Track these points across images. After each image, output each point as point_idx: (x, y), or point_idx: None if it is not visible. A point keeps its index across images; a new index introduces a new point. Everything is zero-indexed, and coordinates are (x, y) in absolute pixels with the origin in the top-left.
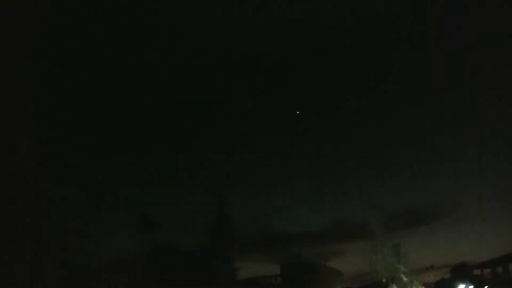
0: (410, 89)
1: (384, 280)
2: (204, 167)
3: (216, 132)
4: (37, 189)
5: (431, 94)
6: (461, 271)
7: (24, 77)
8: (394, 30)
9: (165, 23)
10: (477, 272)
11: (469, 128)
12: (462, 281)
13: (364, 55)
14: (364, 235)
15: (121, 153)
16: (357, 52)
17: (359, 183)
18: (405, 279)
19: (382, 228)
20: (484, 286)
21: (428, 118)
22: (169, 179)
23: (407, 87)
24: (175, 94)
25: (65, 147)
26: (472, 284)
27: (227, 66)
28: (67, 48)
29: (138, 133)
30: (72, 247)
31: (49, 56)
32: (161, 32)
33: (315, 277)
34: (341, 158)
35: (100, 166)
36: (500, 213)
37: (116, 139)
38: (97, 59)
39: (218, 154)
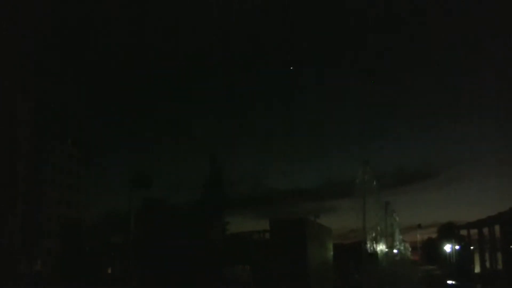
0: (402, 52)
1: (373, 237)
2: (198, 124)
3: (210, 89)
4: (32, 143)
5: (424, 56)
6: (448, 231)
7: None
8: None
9: None
10: (463, 232)
11: (461, 92)
12: (449, 241)
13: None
14: (354, 193)
15: (116, 109)
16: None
17: (351, 141)
18: (393, 237)
19: (373, 186)
20: (470, 246)
21: (420, 80)
22: (162, 135)
23: (399, 51)
24: (171, 54)
25: (59, 102)
26: (458, 244)
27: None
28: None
29: (133, 89)
30: (64, 200)
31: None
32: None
33: (303, 233)
34: (334, 117)
35: (94, 121)
36: (488, 176)
37: (111, 94)
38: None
39: (212, 111)
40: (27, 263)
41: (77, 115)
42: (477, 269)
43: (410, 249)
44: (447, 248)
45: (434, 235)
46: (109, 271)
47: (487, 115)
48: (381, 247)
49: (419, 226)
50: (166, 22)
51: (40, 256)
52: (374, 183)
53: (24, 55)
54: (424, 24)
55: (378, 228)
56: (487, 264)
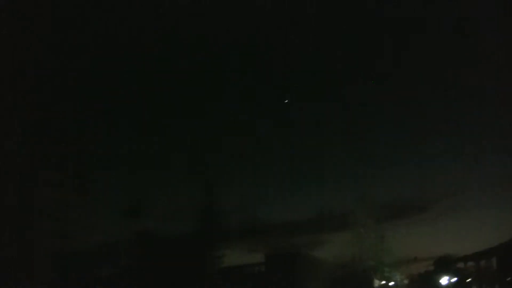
0: (398, 84)
1: (368, 271)
2: (192, 154)
3: (204, 118)
4: (21, 172)
5: (418, 89)
6: (445, 264)
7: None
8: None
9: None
10: (460, 265)
11: (454, 123)
12: (446, 274)
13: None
14: (349, 226)
15: (108, 137)
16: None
17: (345, 173)
18: (389, 270)
19: (367, 219)
20: (467, 279)
21: (416, 113)
22: (156, 164)
23: (396, 81)
24: (164, 76)
25: (51, 130)
26: (455, 277)
27: (218, 51)
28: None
29: (125, 117)
30: (55, 231)
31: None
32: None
33: (299, 266)
34: (328, 148)
35: (86, 148)
36: (485, 207)
37: (103, 122)
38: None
39: (206, 140)
40: None
41: (70, 141)
42: None
43: (406, 282)
44: (444, 280)
45: (430, 268)
46: None
47: (483, 147)
48: (377, 280)
49: (415, 259)
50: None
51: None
52: (370, 217)
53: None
54: (420, 39)
55: (373, 262)
56: None
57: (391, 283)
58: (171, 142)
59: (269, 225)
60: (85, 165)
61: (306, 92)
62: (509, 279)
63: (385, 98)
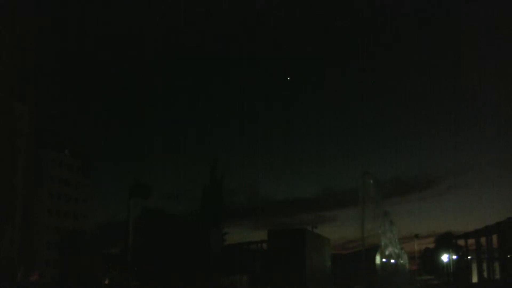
0: (400, 60)
1: (371, 247)
2: (197, 134)
3: (211, 98)
4: (30, 154)
5: (423, 65)
6: (446, 241)
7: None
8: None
9: None
10: (461, 242)
11: (459, 101)
12: (446, 251)
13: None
14: (353, 203)
15: (114, 118)
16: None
17: (350, 151)
18: (391, 247)
19: (371, 196)
20: (468, 256)
21: (420, 88)
22: (161, 144)
23: (398, 57)
24: (169, 57)
25: (57, 112)
26: (456, 254)
27: (225, 35)
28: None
29: (132, 99)
30: (62, 210)
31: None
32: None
33: (301, 243)
34: (333, 126)
35: (92, 130)
36: (485, 186)
37: (109, 104)
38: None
39: (212, 120)
40: (25, 273)
41: (76, 125)
42: (474, 279)
43: (408, 259)
44: (445, 258)
45: (431, 245)
46: (106, 281)
47: (485, 125)
48: (379, 257)
49: (416, 236)
50: (163, 31)
51: (38, 267)
52: (373, 194)
53: (21, 65)
54: (422, 34)
55: (377, 239)
56: (485, 274)
57: (393, 260)
58: (177, 123)
59: (272, 202)
60: (92, 146)
61: (310, 70)
62: (509, 256)
63: (389, 81)
